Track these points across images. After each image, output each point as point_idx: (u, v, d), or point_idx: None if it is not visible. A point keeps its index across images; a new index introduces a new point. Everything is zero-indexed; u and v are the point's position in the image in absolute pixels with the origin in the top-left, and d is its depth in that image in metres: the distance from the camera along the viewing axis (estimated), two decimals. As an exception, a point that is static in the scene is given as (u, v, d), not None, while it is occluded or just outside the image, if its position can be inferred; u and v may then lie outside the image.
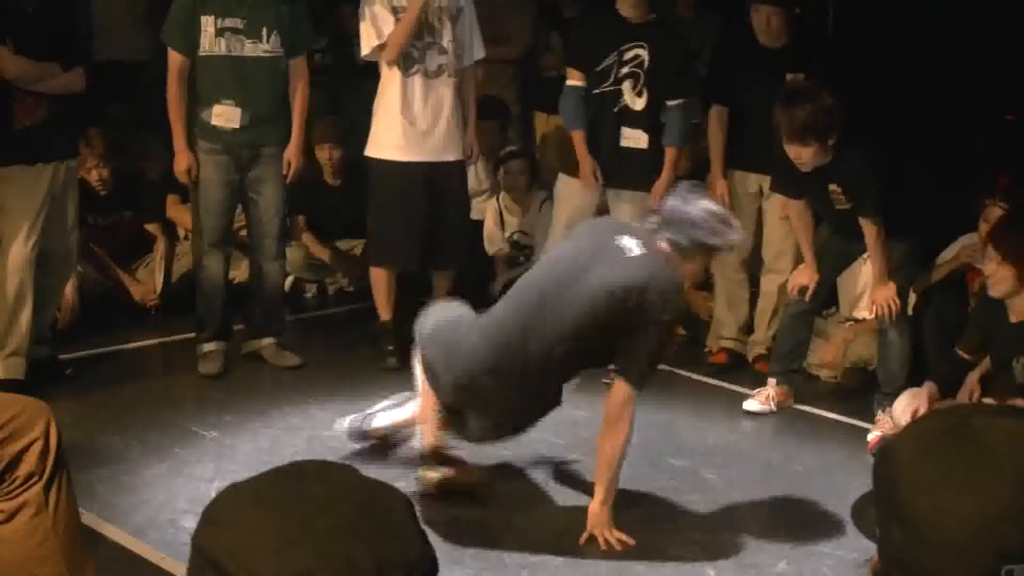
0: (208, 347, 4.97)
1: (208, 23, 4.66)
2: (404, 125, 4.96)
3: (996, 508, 1.06)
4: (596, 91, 5.09)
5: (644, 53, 5.05)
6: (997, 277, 3.96)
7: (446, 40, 4.97)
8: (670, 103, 5.10)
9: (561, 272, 3.47)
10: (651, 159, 5.11)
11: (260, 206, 4.94)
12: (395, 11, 4.88)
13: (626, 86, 5.08)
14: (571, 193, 5.26)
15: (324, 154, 6.14)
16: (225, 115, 4.74)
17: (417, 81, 4.94)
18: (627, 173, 5.13)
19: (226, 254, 4.99)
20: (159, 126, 5.86)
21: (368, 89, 5.20)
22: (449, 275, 5.38)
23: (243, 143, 4.80)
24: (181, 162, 4.78)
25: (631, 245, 3.44)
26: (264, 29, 4.72)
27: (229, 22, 4.67)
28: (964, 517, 1.07)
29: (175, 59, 4.72)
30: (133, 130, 6.53)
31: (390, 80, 4.96)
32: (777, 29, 5.02)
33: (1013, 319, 4.02)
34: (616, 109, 5.09)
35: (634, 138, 5.10)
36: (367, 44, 4.93)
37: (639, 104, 5.08)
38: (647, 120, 5.10)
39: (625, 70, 5.06)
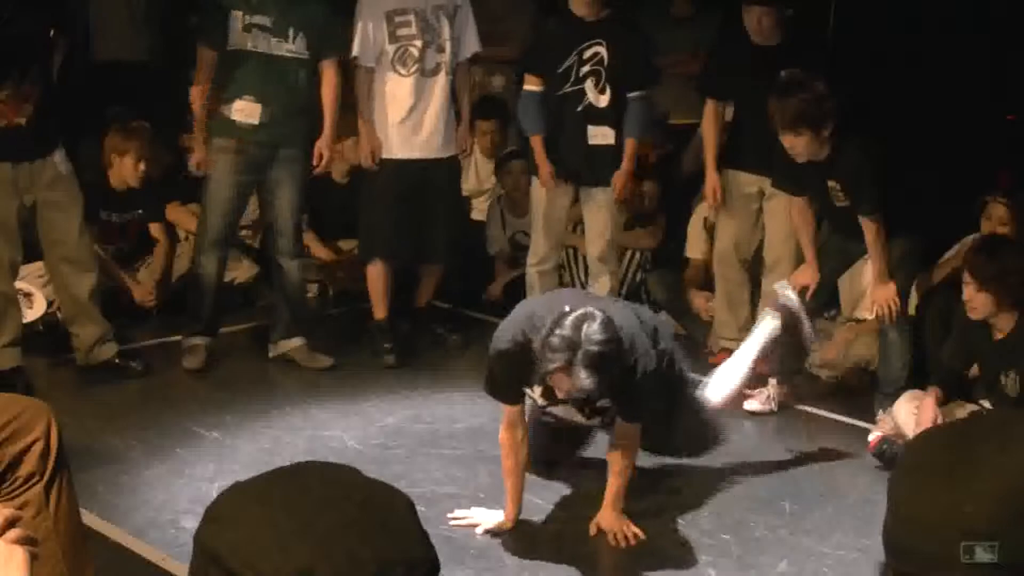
0: (193, 341, 5.00)
1: (237, 18, 4.69)
2: (396, 122, 5.00)
3: (969, 487, 1.07)
4: (559, 93, 5.13)
5: (603, 50, 5.08)
6: (976, 302, 3.98)
7: (444, 38, 4.99)
8: (630, 96, 5.14)
9: None
10: (619, 154, 5.17)
11: (276, 208, 4.97)
12: (389, 18, 4.90)
13: (588, 84, 5.11)
14: (543, 196, 5.29)
15: (354, 146, 6.04)
16: (245, 111, 4.75)
17: (413, 79, 4.97)
18: (597, 170, 5.19)
19: (223, 255, 5.02)
20: (159, 126, 5.87)
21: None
22: (437, 271, 5.43)
23: (260, 142, 4.81)
24: (196, 155, 4.81)
25: None
26: (291, 29, 4.74)
27: (257, 19, 4.70)
28: (936, 496, 1.08)
29: (205, 55, 4.77)
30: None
31: (383, 77, 4.98)
32: (768, 29, 5.02)
33: (997, 336, 4.04)
34: (580, 108, 5.12)
35: (601, 135, 5.15)
36: (356, 48, 4.94)
37: (603, 101, 5.12)
38: (612, 116, 5.14)
39: (586, 69, 5.09)
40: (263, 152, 4.83)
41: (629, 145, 5.16)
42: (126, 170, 5.50)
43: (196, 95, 4.81)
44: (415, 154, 5.04)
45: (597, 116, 5.13)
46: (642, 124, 5.23)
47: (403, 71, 4.96)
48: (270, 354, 5.13)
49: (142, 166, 5.50)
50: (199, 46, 4.81)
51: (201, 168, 4.86)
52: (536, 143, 5.26)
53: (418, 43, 4.94)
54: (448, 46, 5.01)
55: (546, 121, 5.21)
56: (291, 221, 5.00)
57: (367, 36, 4.92)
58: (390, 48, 4.94)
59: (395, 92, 4.98)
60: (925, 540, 1.08)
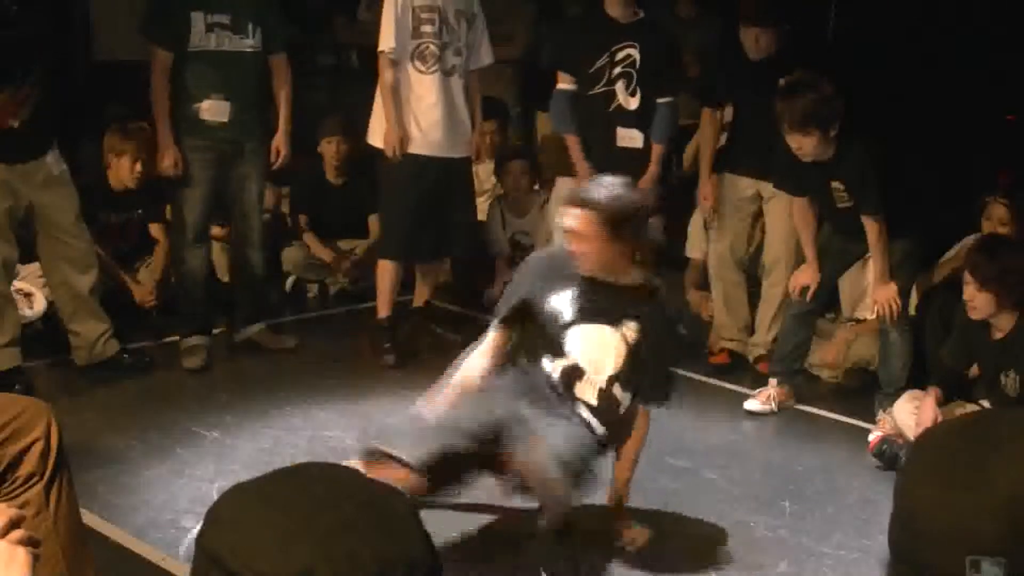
0: (191, 341, 5.03)
1: (198, 18, 4.73)
2: (417, 119, 5.00)
3: (979, 502, 1.06)
4: (589, 93, 5.12)
5: (635, 53, 5.08)
6: (976, 302, 3.98)
7: (461, 42, 5.03)
8: (660, 100, 5.13)
9: None
10: (647, 157, 5.15)
11: (246, 202, 5.05)
12: (415, 13, 4.91)
13: (619, 86, 5.10)
14: None
15: (331, 148, 6.12)
16: (213, 109, 4.81)
17: (434, 78, 4.98)
18: (624, 173, 5.12)
19: (204, 248, 5.10)
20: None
21: (365, 90, 5.22)
22: (435, 272, 5.45)
23: (228, 138, 4.87)
24: (166, 157, 4.83)
25: None
26: (250, 25, 4.82)
27: (218, 17, 4.76)
28: (946, 509, 1.07)
29: (160, 56, 4.78)
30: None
31: (404, 73, 4.97)
32: (766, 46, 5.01)
33: (996, 335, 4.05)
34: (610, 110, 5.12)
35: (629, 137, 5.14)
36: (383, 41, 4.94)
37: (633, 104, 5.12)
38: (641, 119, 5.13)
39: (618, 70, 5.09)
40: (232, 148, 4.90)
41: (656, 150, 5.15)
42: (123, 171, 5.50)
43: (157, 98, 4.80)
44: (433, 152, 5.05)
45: (626, 119, 5.12)
46: (670, 129, 5.22)
47: (422, 67, 4.97)
48: (235, 339, 5.24)
49: (139, 167, 5.50)
50: (156, 48, 4.79)
51: (176, 169, 4.84)
52: (572, 143, 5.21)
53: (437, 42, 4.95)
54: (464, 51, 5.04)
55: (577, 120, 5.20)
56: (259, 211, 5.15)
57: (399, 29, 4.91)
58: (412, 43, 4.94)
59: (418, 89, 4.98)
60: (931, 552, 1.07)
